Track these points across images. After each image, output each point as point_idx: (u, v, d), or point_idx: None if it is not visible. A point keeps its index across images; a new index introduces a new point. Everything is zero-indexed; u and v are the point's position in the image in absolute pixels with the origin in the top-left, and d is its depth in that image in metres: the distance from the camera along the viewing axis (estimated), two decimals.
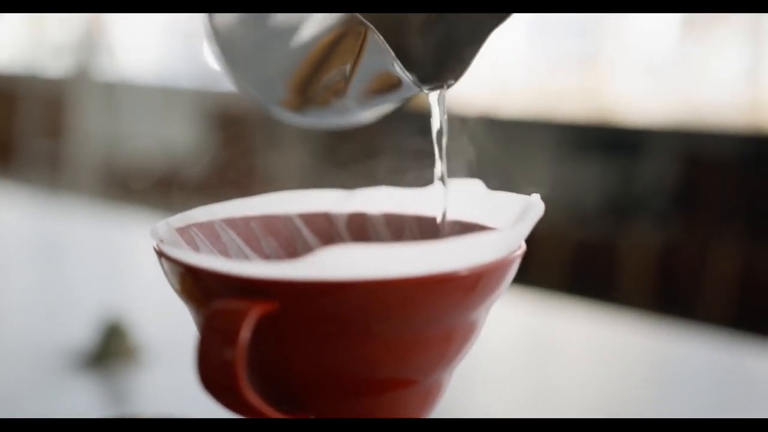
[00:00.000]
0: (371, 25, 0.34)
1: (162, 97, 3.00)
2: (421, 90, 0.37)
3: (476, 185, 0.38)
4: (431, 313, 0.31)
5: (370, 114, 0.40)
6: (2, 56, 3.79)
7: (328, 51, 0.35)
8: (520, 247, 0.33)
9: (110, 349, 0.58)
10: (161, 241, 0.33)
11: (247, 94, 0.38)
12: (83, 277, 0.81)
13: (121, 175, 2.87)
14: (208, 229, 0.37)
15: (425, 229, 0.39)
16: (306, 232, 0.39)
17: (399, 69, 0.35)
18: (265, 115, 2.66)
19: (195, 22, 3.08)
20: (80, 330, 0.63)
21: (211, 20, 0.37)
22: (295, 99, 0.37)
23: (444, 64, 0.37)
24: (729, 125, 1.95)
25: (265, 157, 2.65)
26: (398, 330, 0.31)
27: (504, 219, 0.36)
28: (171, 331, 0.64)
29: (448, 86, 0.37)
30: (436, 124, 0.37)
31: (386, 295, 0.30)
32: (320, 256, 0.29)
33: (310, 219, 0.39)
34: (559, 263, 1.98)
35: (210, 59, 0.38)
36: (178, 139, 2.90)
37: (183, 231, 0.36)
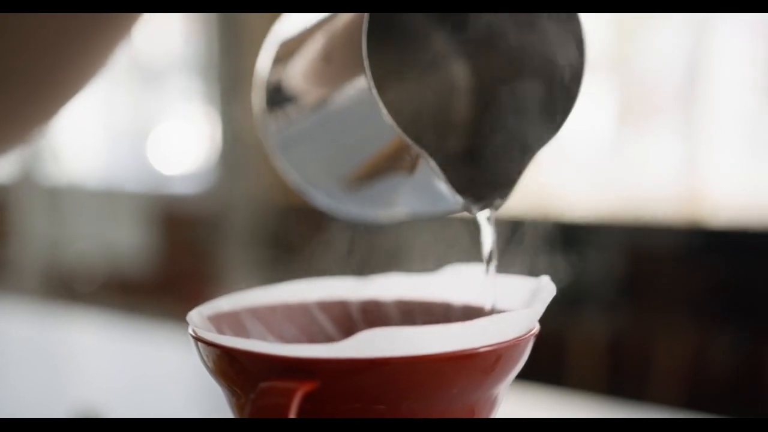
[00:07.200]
0: (424, 152, 0.36)
1: (107, 200, 3.00)
2: (471, 212, 0.38)
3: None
4: (457, 389, 0.33)
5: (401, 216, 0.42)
6: None
7: (386, 158, 0.37)
8: (535, 327, 0.36)
9: None
10: (196, 327, 0.35)
11: (296, 183, 0.41)
12: (33, 376, 0.82)
13: (66, 279, 2.85)
14: (233, 317, 0.39)
15: (434, 313, 0.41)
16: (322, 319, 0.41)
17: (449, 192, 0.37)
18: (211, 217, 2.67)
19: (139, 124, 3.10)
20: None
21: (269, 106, 0.39)
22: (346, 190, 0.40)
23: (492, 186, 0.38)
24: (668, 218, 2.01)
25: (211, 259, 2.65)
26: (426, 406, 0.33)
27: (514, 301, 0.39)
28: None
29: (497, 207, 0.39)
30: (487, 244, 0.39)
31: (415, 371, 0.32)
32: (356, 338, 0.32)
33: (326, 306, 0.41)
34: None
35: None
36: (123, 242, 2.90)
37: (213, 319, 0.38)
